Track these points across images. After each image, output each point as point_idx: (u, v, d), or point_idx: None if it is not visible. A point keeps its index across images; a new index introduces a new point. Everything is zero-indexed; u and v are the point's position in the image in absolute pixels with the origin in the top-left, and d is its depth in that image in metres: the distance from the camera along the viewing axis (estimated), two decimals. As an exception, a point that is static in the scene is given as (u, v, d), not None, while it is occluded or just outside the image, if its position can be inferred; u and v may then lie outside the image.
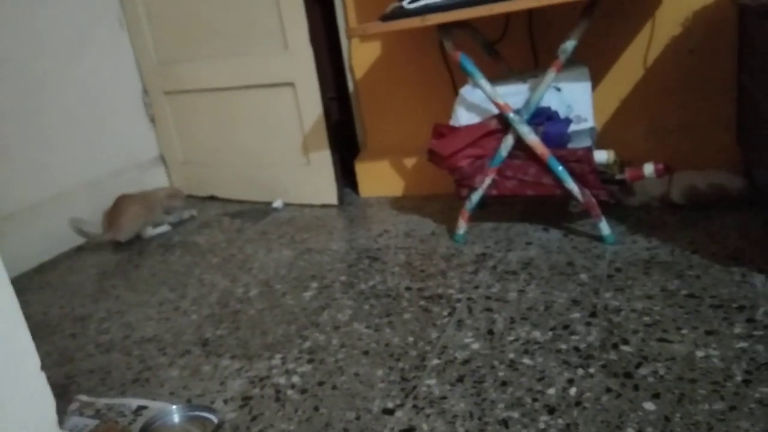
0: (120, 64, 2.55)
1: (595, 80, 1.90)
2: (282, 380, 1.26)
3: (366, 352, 1.32)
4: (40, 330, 1.66)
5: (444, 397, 1.13)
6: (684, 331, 1.21)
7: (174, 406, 1.21)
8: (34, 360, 0.85)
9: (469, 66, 1.65)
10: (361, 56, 2.32)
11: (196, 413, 1.19)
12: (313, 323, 1.47)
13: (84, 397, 1.30)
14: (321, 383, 1.23)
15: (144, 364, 1.41)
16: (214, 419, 1.16)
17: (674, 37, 1.90)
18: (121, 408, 1.25)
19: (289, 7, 2.11)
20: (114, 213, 2.24)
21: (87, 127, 2.39)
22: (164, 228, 2.32)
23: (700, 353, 1.14)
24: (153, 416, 1.19)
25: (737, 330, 1.19)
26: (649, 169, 1.63)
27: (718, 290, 1.34)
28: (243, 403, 1.21)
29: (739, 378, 1.06)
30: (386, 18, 1.61)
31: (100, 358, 1.48)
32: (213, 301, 1.68)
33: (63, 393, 1.32)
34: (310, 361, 1.32)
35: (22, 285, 1.99)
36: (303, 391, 1.22)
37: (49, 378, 0.89)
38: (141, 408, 1.24)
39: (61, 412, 1.20)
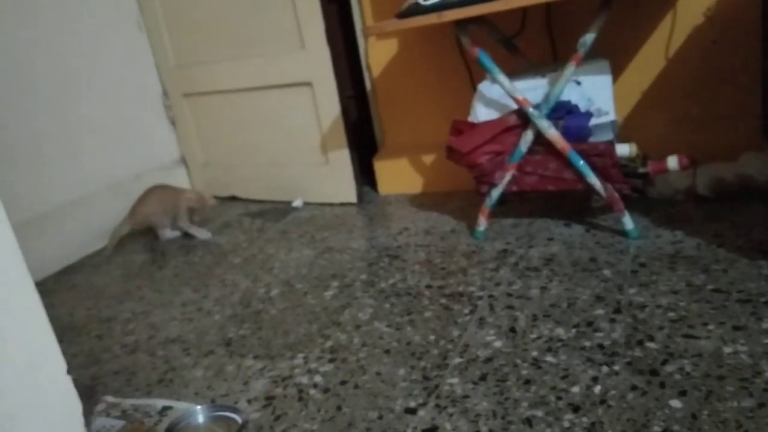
0: (140, 67, 2.58)
1: (616, 73, 1.88)
2: (304, 380, 1.27)
3: (387, 351, 1.31)
4: (66, 332, 1.69)
5: (467, 396, 1.12)
6: (711, 327, 1.19)
7: (198, 407, 1.22)
8: (59, 364, 0.86)
9: (487, 61, 1.63)
10: (378, 54, 2.32)
11: (221, 413, 1.20)
12: (334, 322, 1.48)
13: (110, 398, 1.32)
14: (343, 382, 1.24)
15: (168, 365, 1.43)
16: (239, 419, 1.17)
17: (696, 27, 1.86)
18: (146, 409, 1.26)
19: (306, 6, 2.11)
20: (136, 202, 2.27)
21: (108, 130, 2.42)
22: (177, 233, 2.33)
23: (727, 349, 1.12)
24: (178, 417, 1.20)
25: (765, 325, 1.16)
26: (672, 162, 1.61)
27: (745, 284, 1.31)
28: (266, 403, 1.22)
29: (768, 374, 1.04)
30: (402, 15, 1.61)
31: (126, 359, 1.50)
32: (235, 301, 1.69)
33: (89, 394, 1.34)
34: (332, 361, 1.32)
35: (48, 287, 2.03)
36: (325, 391, 1.22)
37: (76, 380, 0.90)
38: (166, 408, 1.25)
39: (88, 414, 1.22)
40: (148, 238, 2.33)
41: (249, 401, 1.23)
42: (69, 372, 0.88)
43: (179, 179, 2.71)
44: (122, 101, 2.48)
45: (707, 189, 1.73)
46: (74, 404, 0.89)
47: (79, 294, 1.95)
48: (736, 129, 1.85)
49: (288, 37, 2.21)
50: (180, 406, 1.25)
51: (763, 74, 1.81)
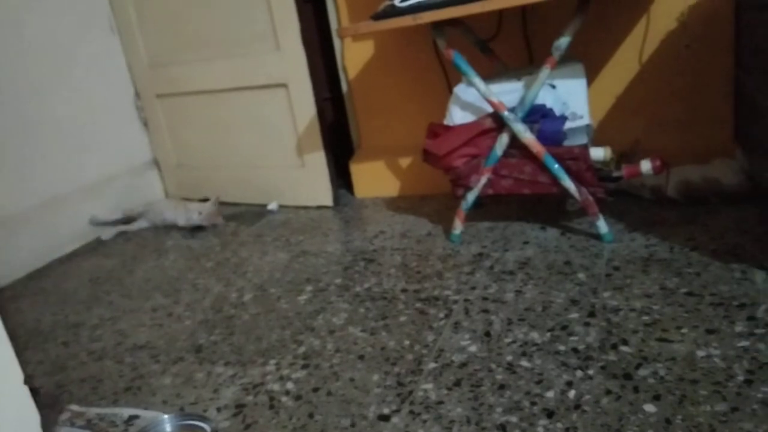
0: (112, 68, 2.53)
1: (591, 76, 1.88)
2: (276, 387, 1.24)
3: (361, 357, 1.29)
4: (32, 338, 1.64)
5: (441, 402, 1.11)
6: (684, 331, 1.19)
7: (166, 416, 1.18)
8: (16, 374, 0.82)
9: (463, 64, 1.63)
10: (354, 56, 2.30)
11: (189, 422, 1.17)
12: (307, 327, 1.45)
13: (75, 407, 1.28)
14: (316, 389, 1.21)
15: (136, 372, 1.39)
16: (207, 428, 1.14)
17: (670, 31, 1.88)
18: (112, 418, 1.23)
19: (281, 7, 2.09)
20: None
21: (80, 132, 2.37)
22: (113, 232, 2.37)
23: (700, 353, 1.12)
24: (145, 426, 1.17)
25: (738, 328, 1.17)
26: (646, 165, 1.61)
27: (718, 288, 1.32)
28: (236, 411, 1.19)
29: (740, 378, 1.04)
30: (378, 17, 1.59)
31: (92, 366, 1.45)
32: (207, 306, 1.66)
33: (54, 403, 1.30)
34: (304, 367, 1.29)
35: (15, 292, 1.97)
36: (297, 398, 1.19)
37: (40, 387, 0.87)
38: (133, 417, 1.22)
39: (51, 424, 1.18)
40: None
41: (219, 409, 1.20)
42: (26, 382, 0.84)
43: (152, 182, 2.66)
44: (93, 103, 2.43)
45: (674, 191, 1.75)
46: (32, 415, 0.85)
47: (46, 299, 1.89)
48: (709, 133, 1.87)
49: (263, 37, 2.18)
50: (147, 414, 1.22)
51: (735, 79, 1.83)
